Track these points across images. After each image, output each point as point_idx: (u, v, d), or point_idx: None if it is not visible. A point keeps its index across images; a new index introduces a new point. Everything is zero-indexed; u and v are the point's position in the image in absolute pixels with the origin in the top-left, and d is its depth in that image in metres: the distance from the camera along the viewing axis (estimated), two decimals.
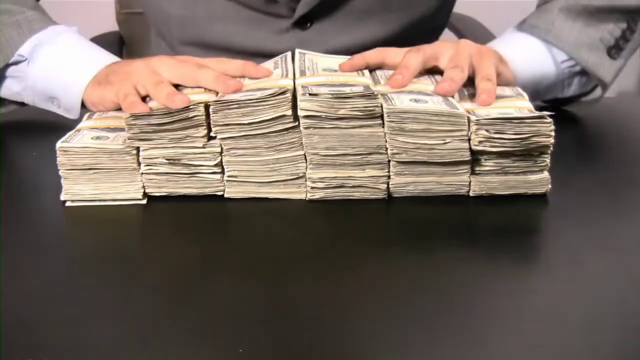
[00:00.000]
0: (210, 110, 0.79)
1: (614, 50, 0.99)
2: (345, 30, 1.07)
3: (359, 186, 0.80)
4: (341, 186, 0.80)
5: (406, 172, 0.80)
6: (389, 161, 0.80)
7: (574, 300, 0.65)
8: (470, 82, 0.88)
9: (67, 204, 0.80)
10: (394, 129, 0.78)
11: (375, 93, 0.78)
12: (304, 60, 0.90)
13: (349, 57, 0.91)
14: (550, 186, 0.81)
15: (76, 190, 0.80)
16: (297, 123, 0.79)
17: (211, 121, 0.79)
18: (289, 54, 0.92)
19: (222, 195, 0.81)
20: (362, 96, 0.78)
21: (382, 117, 0.79)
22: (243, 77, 0.88)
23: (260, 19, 1.06)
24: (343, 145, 0.79)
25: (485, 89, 0.85)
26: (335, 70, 0.88)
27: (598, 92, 1.04)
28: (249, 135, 0.79)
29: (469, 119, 0.78)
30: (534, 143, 0.78)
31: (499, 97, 0.86)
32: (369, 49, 0.91)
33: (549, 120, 0.78)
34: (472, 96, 0.86)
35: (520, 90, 0.89)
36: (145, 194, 0.81)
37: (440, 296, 0.65)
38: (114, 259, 0.71)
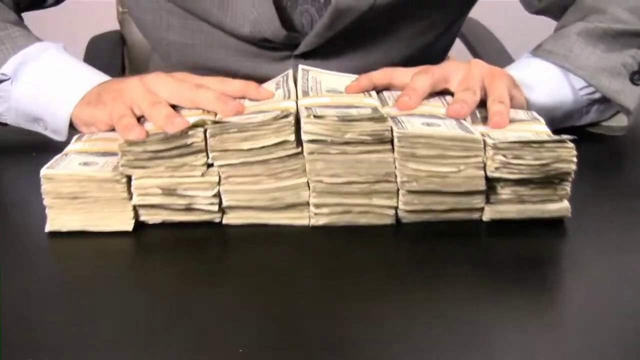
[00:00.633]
0: (207, 134, 0.73)
1: (638, 75, 0.94)
2: (349, 58, 1.04)
3: (365, 212, 0.75)
4: (347, 212, 0.75)
5: (416, 202, 0.74)
6: (398, 190, 0.74)
7: (594, 335, 0.61)
8: (482, 105, 0.83)
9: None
10: (404, 155, 0.73)
11: (385, 116, 0.73)
12: (307, 79, 0.84)
13: (354, 76, 0.86)
14: (570, 215, 0.76)
15: (62, 220, 0.74)
16: (300, 149, 0.74)
17: (208, 146, 0.73)
18: (290, 72, 0.87)
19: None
20: (371, 119, 0.73)
21: (391, 141, 0.73)
22: (243, 98, 0.83)
23: (261, 51, 1.03)
24: (349, 172, 0.74)
25: (497, 111, 0.80)
26: (340, 92, 0.83)
27: (619, 119, 0.99)
28: (249, 162, 0.74)
29: (485, 142, 0.73)
30: (555, 170, 0.73)
31: (513, 121, 0.80)
32: (375, 63, 0.88)
33: (571, 145, 0.73)
34: (484, 119, 0.81)
35: (535, 114, 0.84)
36: (137, 222, 0.75)
37: (454, 329, 0.61)
38: (104, 290, 0.67)
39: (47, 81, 0.90)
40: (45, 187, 0.73)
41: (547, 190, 0.75)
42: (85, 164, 0.75)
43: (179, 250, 0.73)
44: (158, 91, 0.81)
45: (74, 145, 0.80)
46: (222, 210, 0.75)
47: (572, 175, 0.74)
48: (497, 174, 0.73)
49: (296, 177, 0.74)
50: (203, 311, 0.63)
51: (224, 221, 0.76)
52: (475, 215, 0.76)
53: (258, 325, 0.62)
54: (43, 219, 0.74)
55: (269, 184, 0.74)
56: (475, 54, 1.49)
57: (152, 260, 0.73)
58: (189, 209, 0.74)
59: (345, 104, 0.78)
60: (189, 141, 0.73)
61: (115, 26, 1.53)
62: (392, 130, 0.73)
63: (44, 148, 0.87)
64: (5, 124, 0.94)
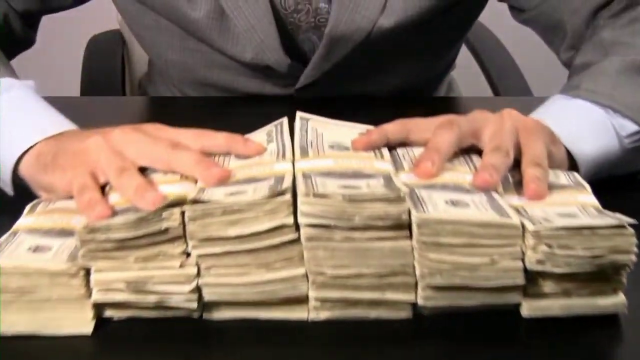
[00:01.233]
0: (185, 217, 0.60)
1: None
2: (352, 84, 1.01)
3: (377, 305, 0.62)
4: (354, 305, 0.62)
5: (438, 298, 0.61)
6: (417, 283, 0.61)
7: None
8: (515, 165, 0.69)
9: None
10: (425, 244, 0.59)
11: (402, 195, 0.59)
12: (306, 131, 0.71)
13: (361, 126, 0.72)
14: (626, 311, 0.62)
15: (9, 321, 0.61)
16: (297, 234, 0.60)
17: (187, 232, 0.60)
18: (285, 121, 0.73)
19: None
20: (384, 200, 0.59)
21: (409, 226, 0.60)
22: (228, 154, 0.69)
23: (263, 75, 1.00)
24: (357, 263, 0.60)
25: (534, 176, 0.67)
26: (347, 148, 0.69)
27: None
28: (235, 251, 0.60)
29: (523, 228, 0.59)
30: (609, 261, 0.60)
31: (552, 187, 0.67)
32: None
33: (630, 231, 0.60)
34: (518, 185, 0.67)
35: (578, 177, 0.70)
36: (99, 318, 0.62)
37: None
38: None
39: None
40: None
41: (599, 282, 0.61)
42: (36, 249, 0.62)
43: (148, 350, 0.61)
44: (126, 152, 0.68)
45: (25, 220, 0.67)
46: (202, 305, 0.62)
47: (631, 267, 0.61)
48: (539, 267, 0.59)
49: (292, 268, 0.61)
50: None
51: (205, 316, 0.62)
52: (511, 310, 0.62)
53: None
54: None
55: (259, 275, 0.61)
56: (480, 59, 1.42)
57: None
58: (161, 306, 0.61)
59: (352, 170, 0.65)
60: (163, 226, 0.60)
61: (115, 26, 1.49)
62: (409, 213, 0.59)
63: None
64: None
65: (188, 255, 0.61)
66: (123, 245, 0.60)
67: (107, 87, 1.27)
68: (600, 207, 0.64)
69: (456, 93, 1.30)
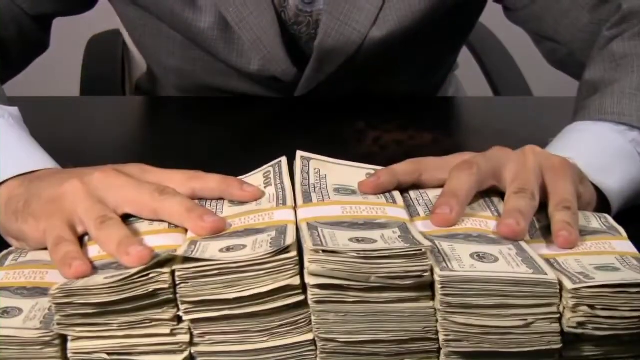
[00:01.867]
0: (176, 278, 0.52)
1: None
2: (350, 91, 0.98)
3: None
4: None
5: None
6: (439, 349, 0.54)
7: None
8: (541, 207, 0.62)
9: None
10: (450, 306, 0.52)
11: (424, 250, 0.52)
12: (308, 173, 0.63)
13: (367, 166, 0.65)
14: None
15: None
16: (304, 296, 0.53)
17: (178, 294, 0.52)
18: (284, 161, 0.65)
19: None
20: (404, 256, 0.52)
21: (431, 285, 0.52)
22: (222, 199, 0.62)
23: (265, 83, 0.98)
24: (373, 328, 0.53)
25: (564, 222, 0.60)
26: (353, 191, 0.62)
27: None
28: (233, 315, 0.53)
29: (560, 285, 0.52)
30: None
31: (584, 232, 0.61)
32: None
33: None
34: (545, 231, 0.60)
35: (609, 219, 0.63)
36: None
37: None
38: None
39: None
40: None
41: None
42: (5, 312, 0.54)
43: None
44: (107, 198, 0.60)
45: None
46: None
47: None
48: (579, 330, 0.52)
49: (298, 334, 0.53)
50: None
51: None
52: None
53: None
54: None
55: (260, 343, 0.53)
56: (480, 59, 1.38)
57: None
58: None
59: (363, 219, 0.57)
60: (151, 288, 0.52)
61: (116, 26, 1.44)
62: (432, 271, 0.52)
63: None
64: None
65: (179, 320, 0.53)
66: (105, 310, 0.52)
67: (107, 87, 1.25)
68: (638, 254, 0.58)
69: (462, 94, 1.24)
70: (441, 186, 0.62)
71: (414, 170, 0.64)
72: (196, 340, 0.53)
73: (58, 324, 0.52)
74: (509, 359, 0.53)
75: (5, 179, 0.65)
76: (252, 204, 0.61)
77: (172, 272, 0.52)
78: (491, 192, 0.64)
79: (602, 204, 0.69)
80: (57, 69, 1.64)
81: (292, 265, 0.52)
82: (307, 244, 0.52)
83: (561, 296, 0.53)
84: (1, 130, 0.70)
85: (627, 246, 0.59)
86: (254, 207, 0.60)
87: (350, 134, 0.90)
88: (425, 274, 0.52)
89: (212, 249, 0.54)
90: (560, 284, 0.53)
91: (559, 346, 0.53)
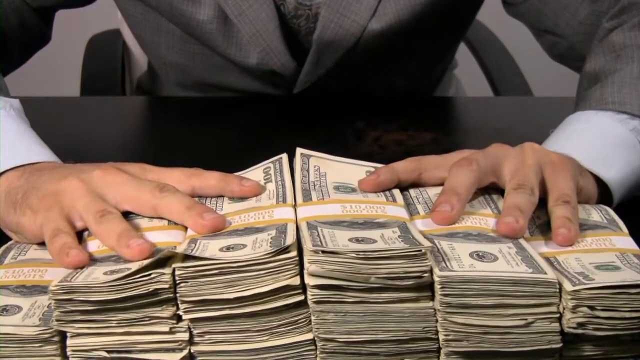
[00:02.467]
0: (176, 277, 0.52)
1: None
2: (350, 86, 0.99)
3: None
4: None
5: None
6: (439, 349, 0.53)
7: None
8: (540, 204, 0.62)
9: None
10: (450, 306, 0.52)
11: (424, 251, 0.52)
12: (308, 170, 0.63)
13: (367, 164, 0.65)
14: None
15: None
16: (304, 296, 0.53)
17: (178, 293, 0.52)
18: (284, 157, 0.65)
19: None
20: (404, 256, 0.52)
21: (431, 286, 0.52)
22: (221, 196, 0.62)
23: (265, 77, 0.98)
24: (372, 328, 0.53)
25: (563, 218, 0.60)
26: (353, 189, 0.62)
27: None
28: (233, 314, 0.53)
29: (560, 287, 0.52)
30: None
31: (585, 227, 0.61)
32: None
33: None
34: (545, 228, 0.60)
35: (611, 212, 0.63)
36: None
37: None
38: None
39: None
40: None
41: None
42: (4, 310, 0.54)
43: None
44: (107, 195, 0.60)
45: None
46: None
47: None
48: (579, 331, 0.52)
49: (297, 334, 0.53)
50: None
51: None
52: None
53: None
54: None
55: (260, 342, 0.53)
56: (480, 59, 1.37)
57: None
58: None
59: (362, 218, 0.57)
60: (152, 288, 0.52)
61: (116, 26, 1.44)
62: (431, 271, 0.52)
63: None
64: None
65: (179, 318, 0.53)
66: (103, 307, 0.52)
67: (107, 87, 1.24)
68: None
69: (462, 94, 1.24)
70: (441, 184, 0.62)
71: (414, 168, 0.64)
72: (196, 339, 0.53)
73: (57, 320, 0.52)
74: (509, 358, 0.53)
75: (4, 169, 0.65)
76: (251, 200, 0.61)
77: (173, 272, 0.52)
78: (491, 189, 0.64)
79: (603, 195, 0.69)
80: (57, 69, 1.65)
81: (292, 266, 0.52)
82: (307, 245, 0.52)
83: (561, 296, 0.53)
84: (1, 122, 0.69)
85: (628, 242, 0.59)
86: (253, 204, 0.60)
87: (350, 134, 0.90)
88: (425, 275, 0.52)
89: (212, 248, 0.54)
90: (560, 284, 0.52)
91: (559, 345, 0.53)
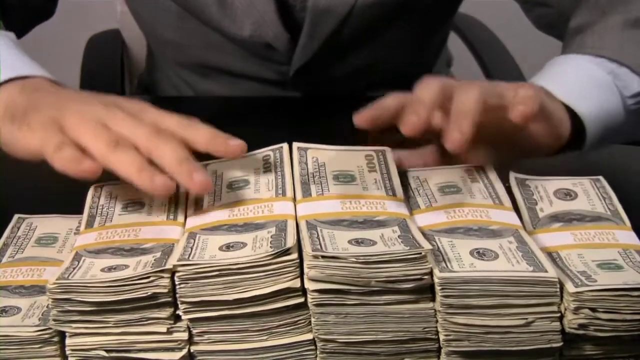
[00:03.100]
0: (176, 278, 0.52)
1: None
2: (345, 64, 1.00)
3: None
4: None
5: None
6: (440, 349, 0.53)
7: None
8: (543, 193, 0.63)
9: None
10: (451, 307, 0.52)
11: (423, 253, 0.52)
12: (306, 162, 0.63)
13: (367, 149, 0.65)
14: None
15: None
16: (304, 297, 0.52)
17: (177, 294, 0.52)
18: (285, 147, 0.65)
19: None
20: (404, 260, 0.51)
21: (431, 287, 0.52)
22: (219, 184, 0.62)
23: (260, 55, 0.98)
24: (372, 329, 0.53)
25: (524, 96, 0.62)
26: (353, 176, 0.61)
27: None
28: (233, 315, 0.52)
29: (562, 287, 0.52)
30: None
31: (587, 218, 0.60)
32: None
33: None
34: (547, 220, 0.60)
35: (615, 201, 0.62)
36: None
37: None
38: None
39: None
40: None
41: None
42: (3, 311, 0.54)
43: None
44: (109, 124, 0.60)
45: None
46: None
47: None
48: (580, 332, 0.52)
49: (297, 334, 0.53)
50: None
51: None
52: None
53: None
54: None
55: (259, 342, 0.53)
56: (479, 59, 1.39)
57: None
58: None
59: (362, 216, 0.57)
60: (150, 291, 0.52)
61: (115, 26, 1.47)
62: (432, 273, 0.52)
63: None
64: None
65: (177, 318, 0.53)
66: (101, 308, 0.52)
67: (106, 86, 1.24)
68: None
69: None
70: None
71: (398, 102, 0.65)
72: (195, 339, 0.53)
73: (54, 320, 0.52)
74: (510, 357, 0.53)
75: (4, 79, 0.65)
76: (250, 191, 0.60)
77: (172, 274, 0.52)
78: (490, 176, 0.63)
79: (576, 129, 0.71)
80: (57, 69, 1.65)
81: (292, 268, 0.52)
82: (307, 249, 0.52)
83: (562, 297, 0.52)
84: (2, 44, 0.71)
85: (631, 238, 0.58)
86: (252, 194, 0.60)
87: (350, 134, 0.90)
88: (425, 277, 0.52)
89: (211, 245, 0.54)
90: (561, 283, 0.52)
91: (560, 345, 0.53)
